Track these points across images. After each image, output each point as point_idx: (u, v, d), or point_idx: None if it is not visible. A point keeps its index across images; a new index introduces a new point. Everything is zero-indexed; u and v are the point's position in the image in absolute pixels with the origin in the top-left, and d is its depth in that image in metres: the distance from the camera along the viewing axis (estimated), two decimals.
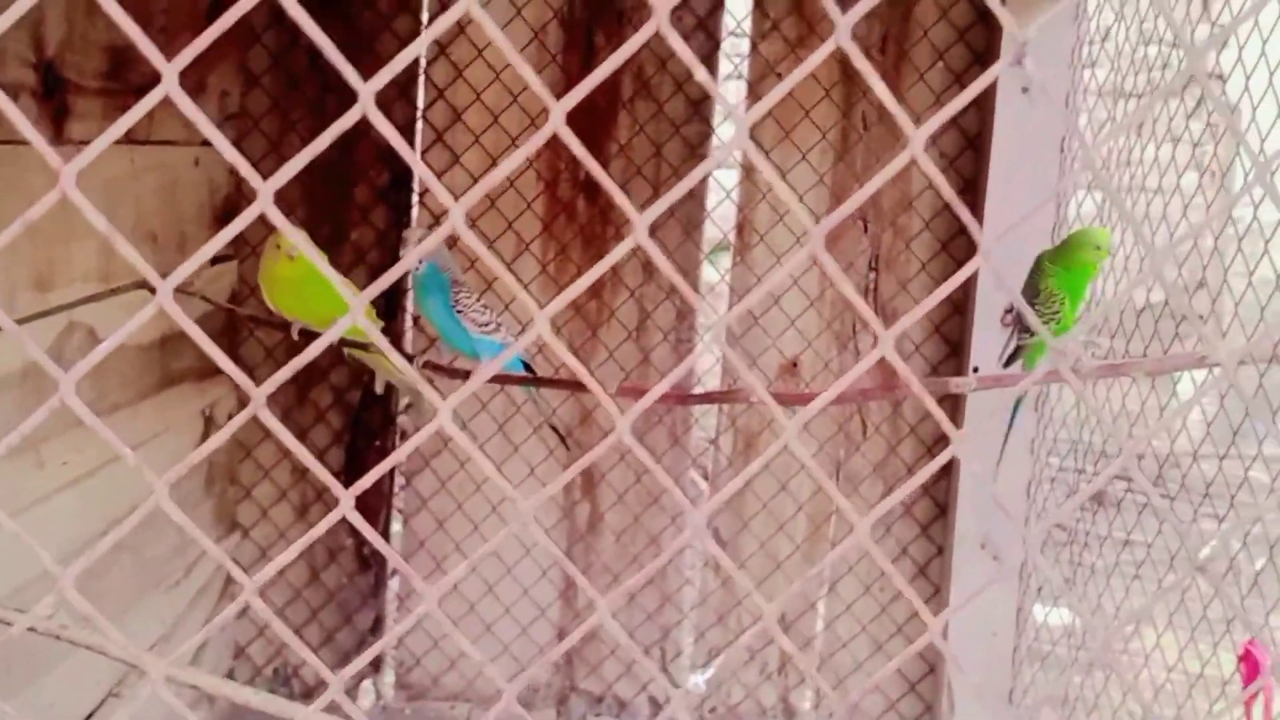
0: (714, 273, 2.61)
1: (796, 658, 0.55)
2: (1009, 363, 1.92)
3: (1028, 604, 2.43)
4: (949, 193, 0.53)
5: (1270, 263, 1.86)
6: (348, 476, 2.47)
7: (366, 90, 0.48)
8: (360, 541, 2.49)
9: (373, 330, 0.53)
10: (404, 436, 2.50)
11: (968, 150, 2.43)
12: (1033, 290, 1.79)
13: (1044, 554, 2.43)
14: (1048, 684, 2.43)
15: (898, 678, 2.52)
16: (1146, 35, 2.30)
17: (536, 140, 0.51)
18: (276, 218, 0.49)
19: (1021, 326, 1.89)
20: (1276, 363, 1.12)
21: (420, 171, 0.51)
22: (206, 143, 2.18)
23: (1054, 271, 1.76)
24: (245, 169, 0.48)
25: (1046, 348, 1.74)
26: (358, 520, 0.53)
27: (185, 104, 0.46)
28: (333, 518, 0.53)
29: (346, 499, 0.51)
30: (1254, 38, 1.87)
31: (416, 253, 0.53)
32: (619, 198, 0.50)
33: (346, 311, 1.62)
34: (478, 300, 1.86)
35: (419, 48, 0.51)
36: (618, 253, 0.52)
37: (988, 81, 0.52)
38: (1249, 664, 1.30)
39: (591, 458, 0.55)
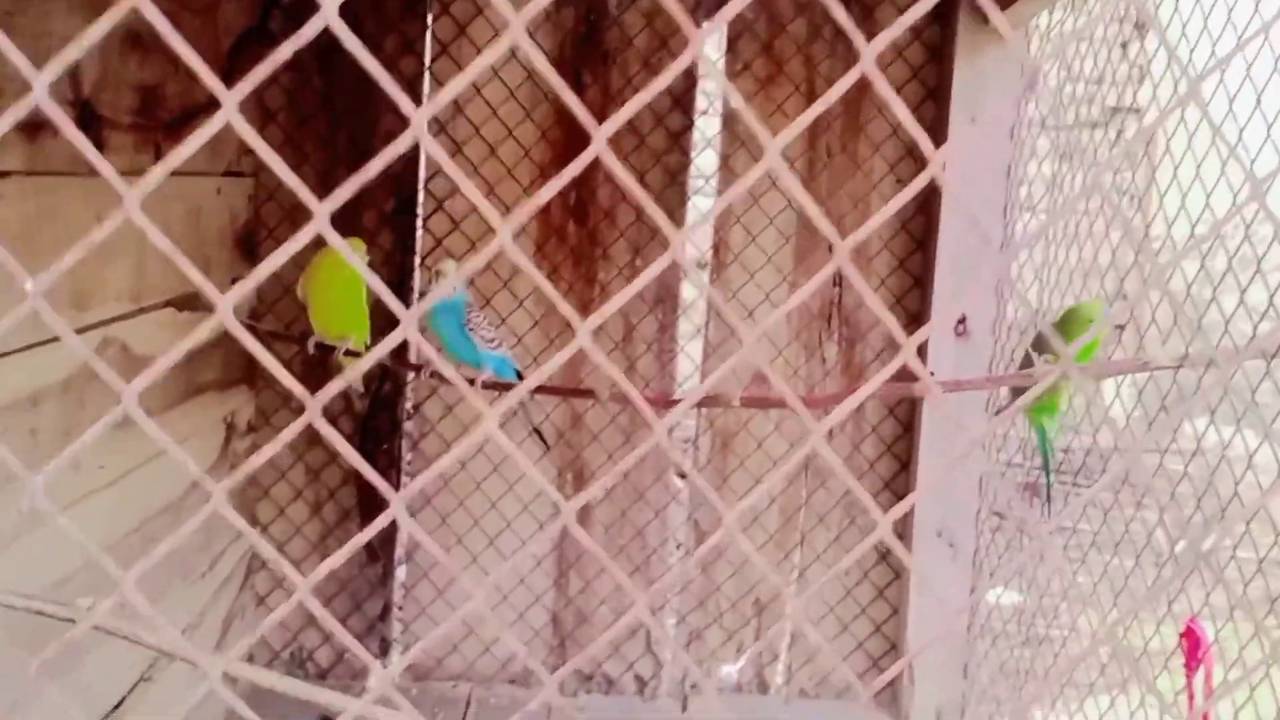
0: (690, 290, 2.61)
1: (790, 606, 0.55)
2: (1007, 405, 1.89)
3: (981, 586, 2.44)
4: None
5: (1181, 274, 1.87)
6: (358, 479, 2.46)
7: (419, 116, 0.46)
8: None
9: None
10: (410, 441, 2.50)
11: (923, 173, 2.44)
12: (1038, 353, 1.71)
13: (994, 541, 2.44)
14: (998, 657, 2.44)
15: (862, 654, 2.53)
16: (1074, 74, 2.32)
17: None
18: (332, 237, 0.49)
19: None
20: (1214, 367, 1.13)
21: (469, 191, 0.51)
22: (228, 173, 2.17)
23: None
24: (304, 193, 0.47)
25: (1052, 413, 1.70)
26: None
27: (244, 129, 0.46)
28: (382, 520, 0.52)
29: (398, 502, 0.51)
30: (1168, 74, 1.88)
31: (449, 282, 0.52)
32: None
33: (360, 324, 1.62)
34: (484, 318, 1.89)
35: (470, 76, 0.50)
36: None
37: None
38: (1190, 639, 1.31)
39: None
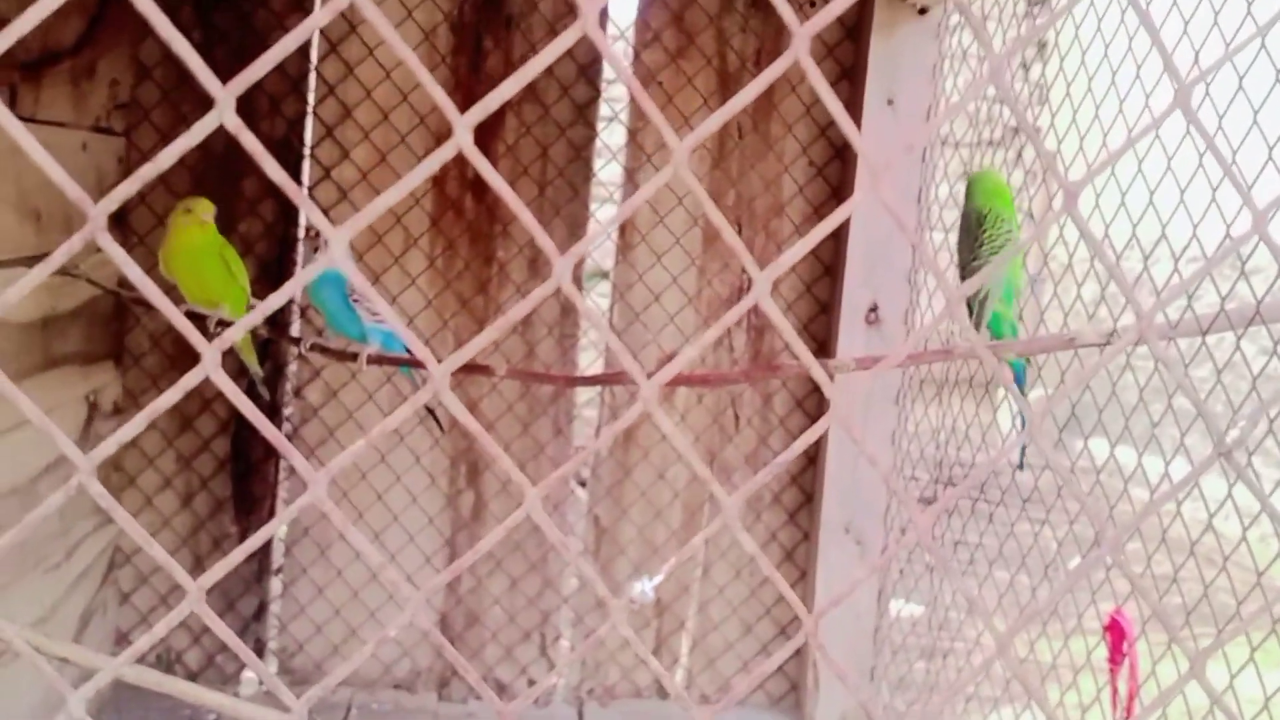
0: (593, 302, 2.58)
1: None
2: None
3: (888, 587, 2.45)
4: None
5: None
6: (234, 465, 2.38)
7: (226, 95, 0.41)
8: (244, 529, 2.40)
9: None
10: (291, 426, 2.42)
11: (835, 160, 2.44)
12: (976, 227, 1.68)
13: (899, 550, 2.45)
14: (898, 670, 2.45)
15: (765, 657, 2.52)
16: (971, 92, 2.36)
17: (441, 154, 0.44)
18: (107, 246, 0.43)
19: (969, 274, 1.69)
20: (1141, 343, 1.13)
21: (303, 203, 0.46)
22: (96, 129, 2.08)
23: (985, 200, 1.67)
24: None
25: (1006, 321, 1.67)
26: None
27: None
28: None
29: (320, 479, 0.45)
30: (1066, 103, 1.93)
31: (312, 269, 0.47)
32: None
33: (233, 294, 1.54)
34: (372, 289, 1.82)
35: (283, 51, 0.44)
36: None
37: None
38: (1115, 632, 1.31)
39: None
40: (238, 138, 0.42)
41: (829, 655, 0.48)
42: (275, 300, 0.45)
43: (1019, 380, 1.72)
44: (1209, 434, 0.53)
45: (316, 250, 1.79)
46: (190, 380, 0.43)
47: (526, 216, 0.44)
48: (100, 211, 0.40)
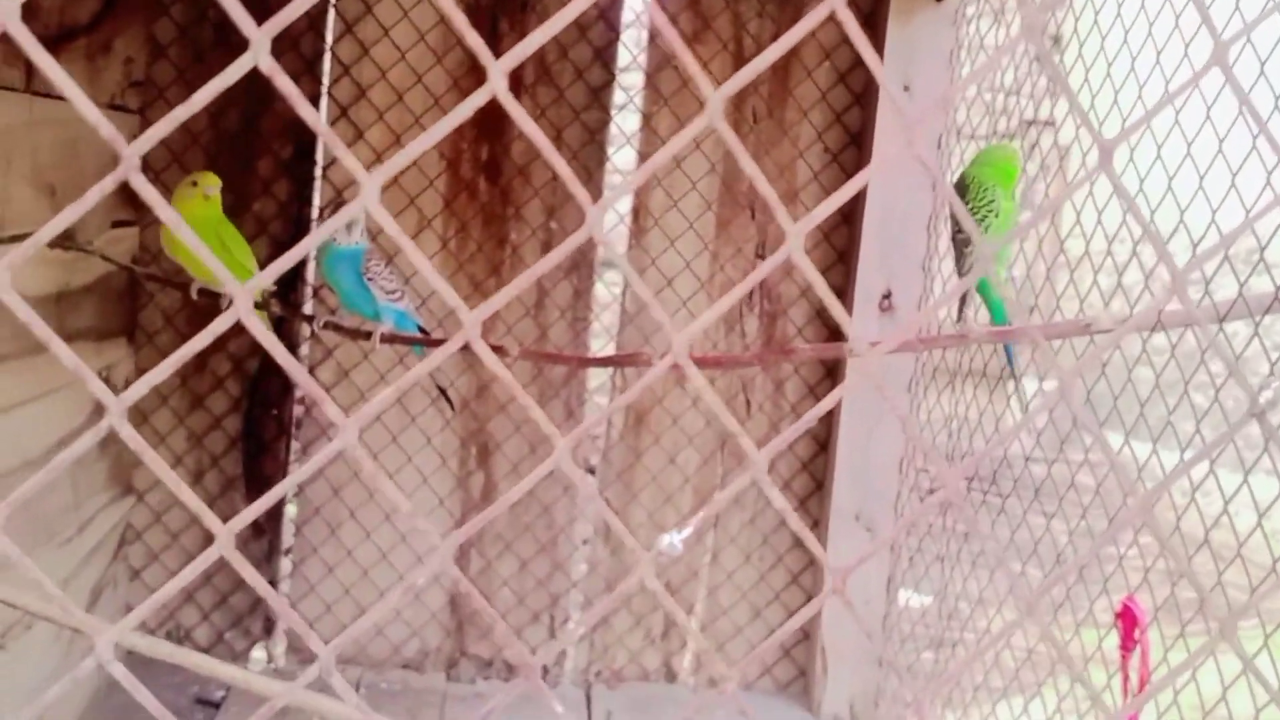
0: (603, 290, 2.59)
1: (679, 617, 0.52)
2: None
3: (898, 576, 2.44)
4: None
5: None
6: (245, 444, 2.38)
7: (261, 35, 0.40)
8: None
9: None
10: (303, 405, 2.43)
11: (850, 146, 2.43)
12: (960, 195, 1.69)
13: (908, 540, 2.44)
14: (905, 659, 2.45)
15: (773, 644, 2.52)
16: (992, 85, 2.35)
17: (474, 100, 0.44)
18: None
19: (962, 253, 1.70)
20: (1159, 330, 1.13)
21: (329, 138, 0.46)
22: (111, 106, 2.08)
23: (976, 168, 1.68)
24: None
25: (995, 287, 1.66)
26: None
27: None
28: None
29: (350, 426, 0.46)
30: (1084, 92, 1.91)
31: (326, 230, 0.47)
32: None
33: (234, 271, 1.54)
34: (386, 268, 1.82)
35: None
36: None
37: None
38: (1127, 619, 1.31)
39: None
40: (272, 80, 0.41)
41: (855, 611, 0.48)
42: (296, 253, 0.45)
43: (1009, 358, 1.72)
44: (1222, 419, 0.52)
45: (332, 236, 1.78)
46: (221, 324, 0.43)
47: (560, 165, 0.43)
48: (134, 152, 0.40)
